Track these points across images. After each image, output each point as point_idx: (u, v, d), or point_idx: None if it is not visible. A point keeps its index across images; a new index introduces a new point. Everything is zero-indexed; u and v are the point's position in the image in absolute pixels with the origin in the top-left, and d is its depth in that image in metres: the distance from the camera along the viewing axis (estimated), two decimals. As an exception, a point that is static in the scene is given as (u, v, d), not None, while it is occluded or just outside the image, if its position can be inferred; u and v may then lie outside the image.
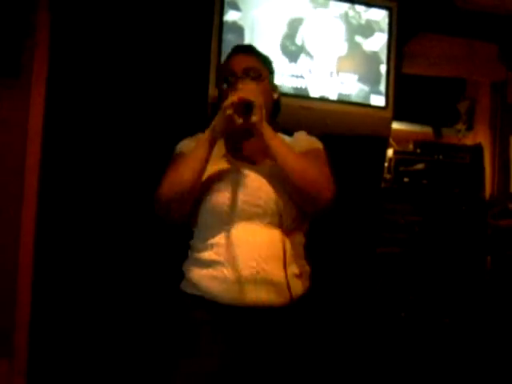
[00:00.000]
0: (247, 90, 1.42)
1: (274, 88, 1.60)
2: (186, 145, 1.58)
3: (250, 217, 1.45)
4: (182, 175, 1.44)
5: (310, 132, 1.65)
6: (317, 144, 1.59)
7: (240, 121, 1.40)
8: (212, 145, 1.45)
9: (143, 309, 2.27)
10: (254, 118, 1.40)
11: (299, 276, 1.51)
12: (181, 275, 1.53)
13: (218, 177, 1.49)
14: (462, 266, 2.97)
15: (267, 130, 1.44)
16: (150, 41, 2.33)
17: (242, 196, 1.46)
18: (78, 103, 2.27)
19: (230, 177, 1.48)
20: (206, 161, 1.45)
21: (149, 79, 2.33)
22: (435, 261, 2.93)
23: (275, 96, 1.59)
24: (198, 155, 1.45)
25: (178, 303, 1.54)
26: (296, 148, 1.53)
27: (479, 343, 2.83)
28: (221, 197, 1.46)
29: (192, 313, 1.49)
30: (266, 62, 1.60)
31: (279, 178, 1.47)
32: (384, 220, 2.80)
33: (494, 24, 3.03)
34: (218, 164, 1.52)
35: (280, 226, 1.47)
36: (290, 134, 1.63)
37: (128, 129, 2.31)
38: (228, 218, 1.45)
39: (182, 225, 1.53)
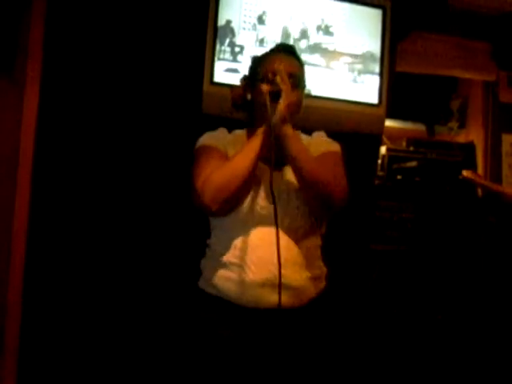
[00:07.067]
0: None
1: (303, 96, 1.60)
2: (209, 138, 1.57)
3: (268, 220, 1.45)
4: (237, 164, 1.44)
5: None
6: (334, 147, 1.61)
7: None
8: (265, 136, 1.45)
9: (138, 307, 2.27)
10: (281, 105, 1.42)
11: (316, 278, 1.54)
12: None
13: None
14: (454, 263, 2.99)
15: (287, 129, 1.44)
16: (144, 37, 2.33)
17: (259, 200, 1.48)
18: (72, 102, 2.26)
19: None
20: (261, 151, 1.45)
21: (143, 76, 2.34)
22: (428, 258, 2.95)
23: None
24: (253, 145, 1.46)
25: (194, 301, 1.56)
26: (312, 148, 1.54)
27: (472, 340, 2.85)
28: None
29: (210, 314, 1.50)
30: (303, 68, 1.62)
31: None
32: (377, 217, 2.82)
33: (487, 23, 3.06)
34: None
35: (299, 229, 1.50)
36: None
37: (122, 127, 2.31)
38: (247, 221, 1.47)
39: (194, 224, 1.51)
